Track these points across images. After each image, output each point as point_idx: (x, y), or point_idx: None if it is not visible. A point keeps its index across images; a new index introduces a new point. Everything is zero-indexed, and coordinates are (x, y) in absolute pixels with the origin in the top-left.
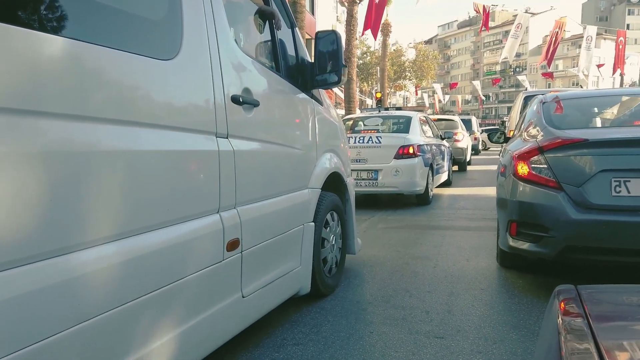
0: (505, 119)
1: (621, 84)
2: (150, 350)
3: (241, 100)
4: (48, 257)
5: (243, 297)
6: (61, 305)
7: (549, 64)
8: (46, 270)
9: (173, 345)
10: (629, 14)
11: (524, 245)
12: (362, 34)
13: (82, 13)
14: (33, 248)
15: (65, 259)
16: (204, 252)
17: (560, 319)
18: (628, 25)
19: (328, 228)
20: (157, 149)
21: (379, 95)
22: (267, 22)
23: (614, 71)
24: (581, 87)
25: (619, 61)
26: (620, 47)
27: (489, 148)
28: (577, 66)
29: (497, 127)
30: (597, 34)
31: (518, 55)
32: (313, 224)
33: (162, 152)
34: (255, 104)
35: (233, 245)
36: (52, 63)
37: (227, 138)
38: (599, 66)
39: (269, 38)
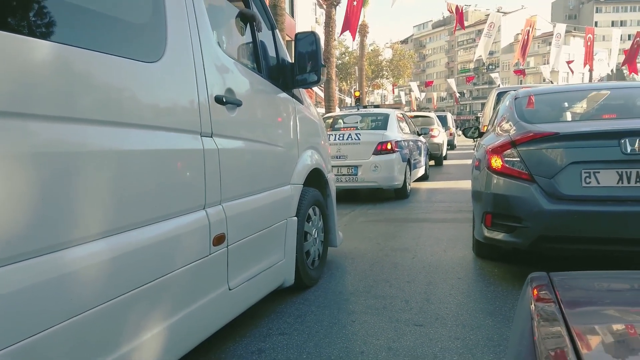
0: (479, 114)
1: (590, 80)
2: (140, 342)
3: (224, 100)
4: (38, 255)
5: (230, 289)
6: (52, 301)
7: (523, 61)
8: (36, 267)
9: (163, 337)
10: (597, 12)
11: (499, 236)
12: (341, 35)
13: (68, 18)
14: (23, 246)
15: (55, 257)
16: (191, 247)
17: (533, 305)
18: (596, 23)
19: (310, 222)
20: (143, 148)
21: (357, 94)
22: (248, 24)
23: (584, 67)
24: (551, 82)
25: (587, 57)
26: (589, 43)
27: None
28: (547, 63)
29: (472, 123)
30: (567, 32)
31: (491, 53)
32: (296, 218)
33: (148, 152)
34: (238, 104)
35: (219, 240)
36: (40, 67)
37: (211, 137)
38: (568, 63)
39: (250, 40)
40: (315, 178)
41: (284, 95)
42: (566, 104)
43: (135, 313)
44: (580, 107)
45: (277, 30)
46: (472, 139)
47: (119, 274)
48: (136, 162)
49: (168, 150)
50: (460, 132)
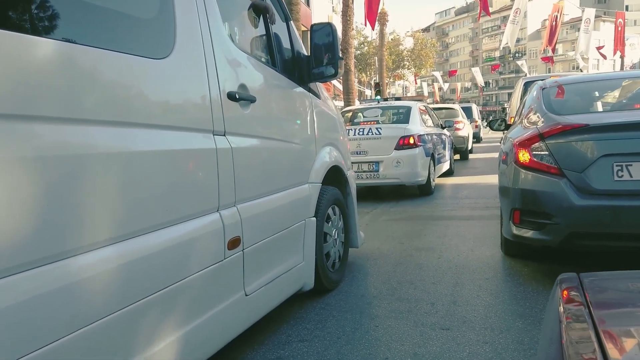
0: (505, 105)
1: (621, 66)
2: (154, 351)
3: (237, 96)
4: (48, 263)
5: (246, 295)
6: (63, 310)
7: (552, 49)
8: (46, 275)
9: (177, 346)
10: None
11: (528, 233)
12: (365, 25)
13: (74, 15)
14: (32, 254)
15: (66, 264)
16: (205, 251)
17: (562, 307)
18: (627, 7)
19: (330, 222)
20: (154, 149)
21: (376, 88)
22: (261, 16)
23: (614, 53)
24: (581, 70)
25: (618, 43)
26: (620, 28)
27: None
28: (576, 49)
29: (498, 115)
30: (596, 16)
31: (517, 40)
32: (315, 219)
33: (159, 152)
34: (251, 100)
35: (234, 243)
36: (45, 67)
37: (224, 135)
38: (598, 48)
39: (264, 32)
40: (335, 176)
41: (299, 89)
42: (596, 94)
43: (147, 322)
44: (611, 96)
45: (291, 21)
46: (499, 132)
47: (129, 282)
48: (146, 163)
49: (179, 151)
50: (486, 124)
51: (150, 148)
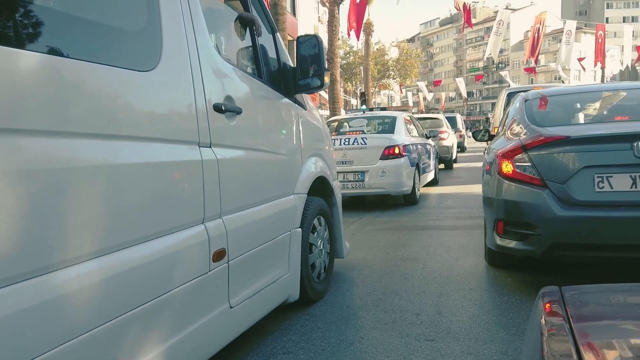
0: (489, 115)
1: (602, 77)
2: None
3: (223, 108)
4: (32, 277)
5: (231, 307)
6: (47, 325)
7: (535, 60)
8: (30, 289)
9: (162, 358)
10: (607, 8)
11: (511, 244)
12: (349, 35)
13: (61, 28)
14: (16, 267)
15: (48, 278)
16: (190, 263)
17: (543, 319)
18: (607, 19)
19: (315, 233)
20: (139, 161)
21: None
22: (247, 28)
23: (595, 64)
24: (563, 81)
25: (599, 54)
26: (600, 40)
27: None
28: (557, 61)
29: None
30: (577, 28)
31: (500, 51)
32: (300, 229)
33: (144, 165)
34: (238, 112)
35: (219, 255)
36: (32, 80)
37: (210, 147)
38: (579, 60)
39: (250, 44)
40: (320, 186)
41: (286, 100)
42: (578, 106)
43: (131, 336)
44: (592, 108)
45: (277, 33)
46: (482, 142)
47: (114, 295)
48: (131, 176)
49: (164, 163)
50: (470, 134)
51: (136, 160)
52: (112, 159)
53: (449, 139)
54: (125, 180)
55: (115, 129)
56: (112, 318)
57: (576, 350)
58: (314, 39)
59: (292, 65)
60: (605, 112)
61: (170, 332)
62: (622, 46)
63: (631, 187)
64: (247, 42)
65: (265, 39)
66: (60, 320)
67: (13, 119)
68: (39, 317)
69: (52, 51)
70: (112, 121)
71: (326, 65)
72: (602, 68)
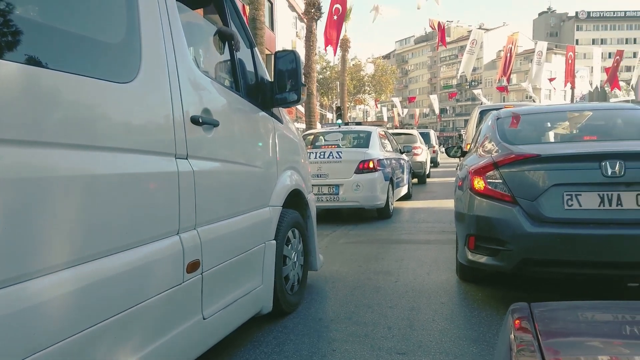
0: (462, 132)
1: (572, 97)
2: None
3: (201, 120)
4: (2, 287)
5: (204, 318)
6: (12, 337)
7: (507, 79)
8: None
9: None
10: (577, 30)
11: (482, 259)
12: (326, 48)
13: (37, 38)
14: None
15: (19, 288)
16: (164, 274)
17: (512, 335)
18: (577, 41)
19: (290, 245)
20: (115, 172)
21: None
22: (226, 42)
23: (565, 84)
24: (534, 100)
25: (569, 75)
26: (570, 61)
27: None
28: (529, 80)
29: (455, 141)
30: (548, 49)
31: (473, 69)
32: (274, 242)
33: (120, 175)
34: (215, 124)
35: (193, 266)
36: (5, 89)
37: (186, 159)
38: (550, 80)
39: (229, 58)
40: (295, 199)
41: (262, 114)
42: (548, 125)
43: (104, 346)
44: (562, 128)
45: (256, 48)
46: (455, 158)
47: (87, 305)
48: (107, 186)
49: (141, 174)
50: (443, 150)
51: (112, 171)
52: (89, 169)
53: (423, 154)
54: (101, 191)
55: (92, 140)
56: (84, 328)
57: None
58: (291, 55)
59: (270, 80)
60: (574, 132)
61: (144, 342)
62: (592, 67)
63: (599, 206)
64: (226, 55)
65: (243, 53)
66: (32, 330)
67: None
68: (11, 327)
69: (31, 61)
70: (89, 132)
71: (303, 80)
72: (572, 88)
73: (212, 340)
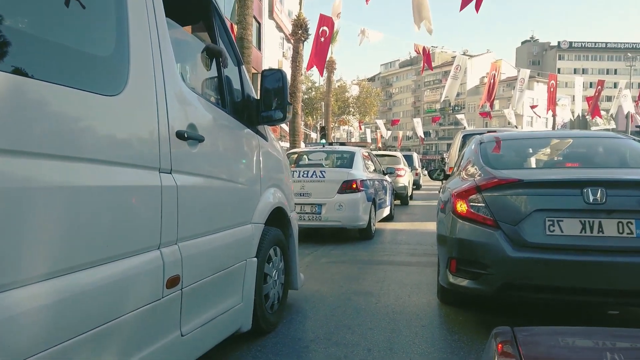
0: (444, 155)
1: (553, 124)
2: None
3: (186, 135)
4: None
5: (182, 335)
6: None
7: (490, 105)
8: None
9: None
10: (559, 59)
11: (464, 282)
12: (308, 69)
13: (24, 47)
14: None
15: None
16: (143, 289)
17: (496, 359)
18: (559, 70)
19: (271, 263)
20: (97, 184)
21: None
22: (214, 59)
23: (547, 111)
24: (516, 127)
25: (551, 102)
26: (552, 89)
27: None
28: (512, 107)
29: (438, 164)
30: (530, 77)
31: (457, 94)
32: (256, 259)
33: (101, 188)
34: (200, 139)
35: (173, 282)
36: None
37: (170, 173)
38: (532, 107)
39: (216, 75)
40: (278, 217)
41: (247, 131)
42: (531, 151)
43: None
44: (545, 154)
45: (243, 65)
46: (437, 181)
47: (62, 319)
48: (89, 198)
49: (123, 187)
50: (426, 172)
51: (94, 183)
52: (71, 180)
53: (406, 176)
54: (82, 202)
55: (76, 151)
56: (60, 342)
57: None
58: (278, 73)
59: (256, 97)
60: (557, 158)
61: (121, 357)
62: (573, 96)
63: (580, 232)
64: (213, 72)
65: (230, 71)
66: (6, 342)
67: None
68: None
69: (18, 71)
70: (73, 143)
71: (289, 99)
72: (554, 116)
73: (190, 358)
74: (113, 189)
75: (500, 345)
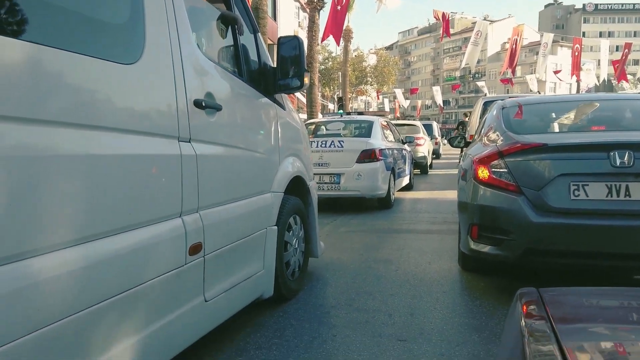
0: (463, 119)
1: (577, 90)
2: (112, 354)
3: (204, 104)
4: (4, 263)
5: (206, 301)
6: (14, 313)
7: (512, 71)
8: (3, 276)
9: (134, 350)
10: (584, 22)
11: (485, 249)
12: (323, 40)
13: (42, 16)
14: None
15: (20, 266)
16: (166, 256)
17: (523, 321)
18: (584, 33)
19: (291, 232)
20: (118, 153)
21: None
22: (229, 27)
23: (571, 77)
24: (538, 92)
25: (575, 68)
26: (576, 54)
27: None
28: (534, 72)
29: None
30: (554, 42)
31: (477, 61)
32: (276, 227)
33: (123, 156)
34: (217, 108)
35: (195, 249)
36: (9, 66)
37: (189, 142)
38: (555, 72)
39: (232, 43)
40: (297, 186)
41: (265, 100)
42: (554, 115)
43: (105, 325)
44: (569, 118)
45: (259, 33)
46: (458, 148)
47: (89, 284)
48: (110, 167)
49: (144, 155)
50: (445, 141)
51: (115, 152)
52: (92, 149)
53: (425, 145)
54: (104, 171)
55: (96, 120)
56: (87, 306)
57: (560, 351)
58: (295, 40)
59: (273, 66)
60: (581, 122)
61: (146, 322)
62: (598, 60)
63: (607, 196)
64: (229, 40)
65: (246, 39)
66: (32, 307)
67: None
68: (13, 303)
69: (35, 39)
70: (93, 112)
71: (306, 67)
72: (578, 81)
73: (214, 323)
74: (134, 158)
75: (525, 305)
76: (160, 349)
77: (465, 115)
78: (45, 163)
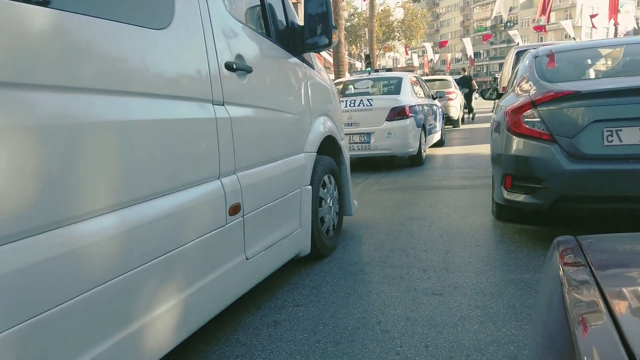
0: (496, 75)
1: (615, 34)
2: (156, 315)
3: (234, 66)
4: (46, 230)
5: (247, 259)
6: (60, 277)
7: (547, 18)
8: (45, 242)
9: (179, 309)
10: None
11: (519, 198)
12: None
13: None
14: (30, 222)
15: (64, 231)
16: (207, 217)
17: (561, 269)
18: None
19: (325, 189)
20: (155, 118)
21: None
22: None
23: (609, 20)
24: (574, 39)
25: (612, 10)
26: None
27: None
28: (569, 18)
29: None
30: None
31: (509, 9)
32: (310, 187)
33: (160, 121)
34: (248, 70)
35: (235, 209)
36: (41, 35)
37: (223, 105)
38: (592, 17)
39: (258, 3)
40: (329, 146)
41: (294, 60)
42: (588, 62)
43: (150, 286)
44: (603, 64)
45: None
46: (490, 100)
47: (132, 247)
48: (147, 132)
49: (180, 120)
50: (477, 95)
51: (151, 117)
52: (128, 114)
53: (457, 100)
54: (141, 137)
55: (129, 86)
56: (132, 268)
57: (603, 298)
58: None
59: (300, 24)
60: (615, 67)
61: (189, 282)
62: (638, 1)
63: None
64: (256, 1)
65: None
66: (77, 271)
67: (25, 73)
68: (58, 268)
69: (65, 7)
70: (126, 77)
71: (333, 24)
72: (615, 25)
73: (255, 280)
74: (170, 122)
75: (564, 253)
76: (206, 306)
77: (464, 70)
78: (83, 130)
